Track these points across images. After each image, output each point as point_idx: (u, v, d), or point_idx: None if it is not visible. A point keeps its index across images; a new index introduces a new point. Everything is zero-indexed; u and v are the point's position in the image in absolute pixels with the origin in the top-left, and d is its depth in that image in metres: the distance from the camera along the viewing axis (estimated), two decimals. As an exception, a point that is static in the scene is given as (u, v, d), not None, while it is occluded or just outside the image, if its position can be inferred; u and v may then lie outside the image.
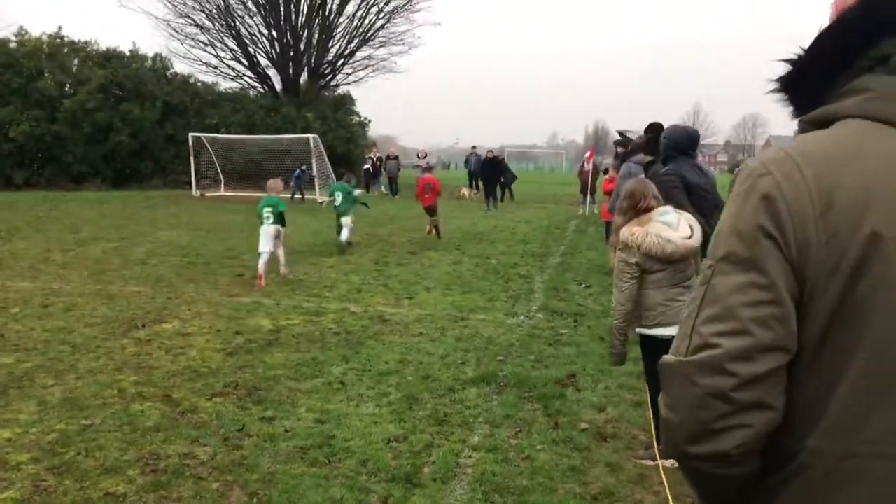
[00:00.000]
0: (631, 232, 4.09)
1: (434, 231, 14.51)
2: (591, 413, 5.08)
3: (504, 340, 6.96)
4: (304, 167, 25.71)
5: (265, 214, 10.36)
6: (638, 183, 4.37)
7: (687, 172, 4.88)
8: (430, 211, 14.45)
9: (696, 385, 1.09)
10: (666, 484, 3.81)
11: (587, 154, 22.21)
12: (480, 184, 27.22)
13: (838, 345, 1.07)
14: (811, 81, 1.22)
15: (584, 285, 9.93)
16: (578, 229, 17.47)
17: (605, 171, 18.84)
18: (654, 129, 6.49)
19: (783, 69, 1.24)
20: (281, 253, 10.42)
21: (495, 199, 23.53)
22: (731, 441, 1.08)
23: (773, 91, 1.26)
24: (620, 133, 14.72)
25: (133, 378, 5.67)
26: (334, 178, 28.18)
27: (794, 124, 1.28)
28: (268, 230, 10.22)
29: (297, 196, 25.00)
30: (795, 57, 1.22)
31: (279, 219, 10.32)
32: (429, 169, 17.30)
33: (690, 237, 4.05)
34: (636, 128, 9.87)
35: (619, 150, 12.67)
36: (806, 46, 1.21)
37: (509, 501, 3.81)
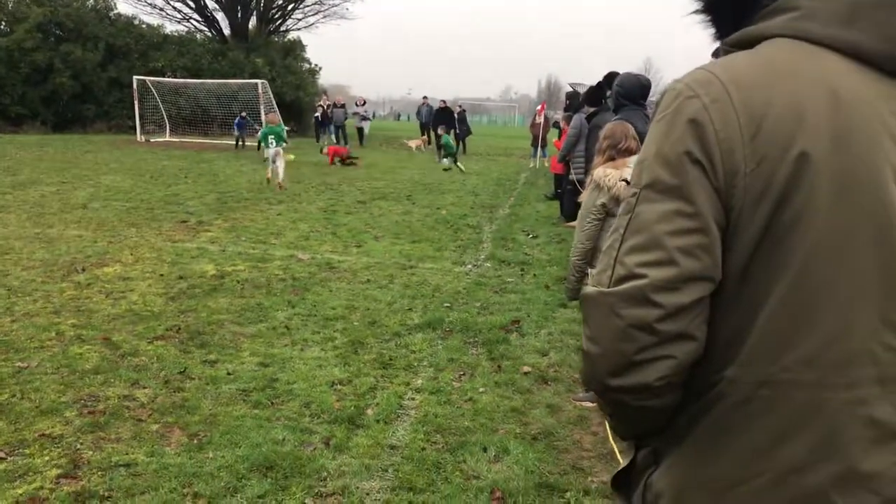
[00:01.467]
0: (605, 173, 4.04)
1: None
2: (534, 357, 5.16)
3: (451, 288, 6.99)
4: (243, 114, 25.09)
5: (269, 140, 14.06)
6: (618, 124, 4.33)
7: (637, 122, 4.88)
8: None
9: (620, 317, 1.06)
10: (607, 425, 3.90)
11: (539, 107, 22.18)
12: (432, 134, 27.06)
13: (761, 274, 1.05)
14: (734, 1, 1.17)
15: (531, 236, 10.00)
16: (528, 181, 17.54)
17: (556, 125, 18.89)
18: (612, 78, 6.49)
19: None
20: (280, 167, 13.87)
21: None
22: (653, 373, 1.06)
23: (694, 12, 1.22)
24: (572, 86, 14.76)
25: (72, 321, 5.55)
26: (284, 127, 27.77)
27: None
28: (272, 151, 13.98)
29: (239, 143, 24.50)
30: None
31: (279, 140, 14.08)
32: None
33: None
34: (589, 81, 9.87)
35: (568, 102, 12.72)
36: None
37: (451, 441, 3.86)
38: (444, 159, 20.39)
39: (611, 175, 3.99)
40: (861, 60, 1.06)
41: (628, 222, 1.10)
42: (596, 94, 8.20)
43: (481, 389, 4.56)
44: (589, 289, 1.14)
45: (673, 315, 1.04)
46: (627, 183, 1.14)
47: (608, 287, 1.09)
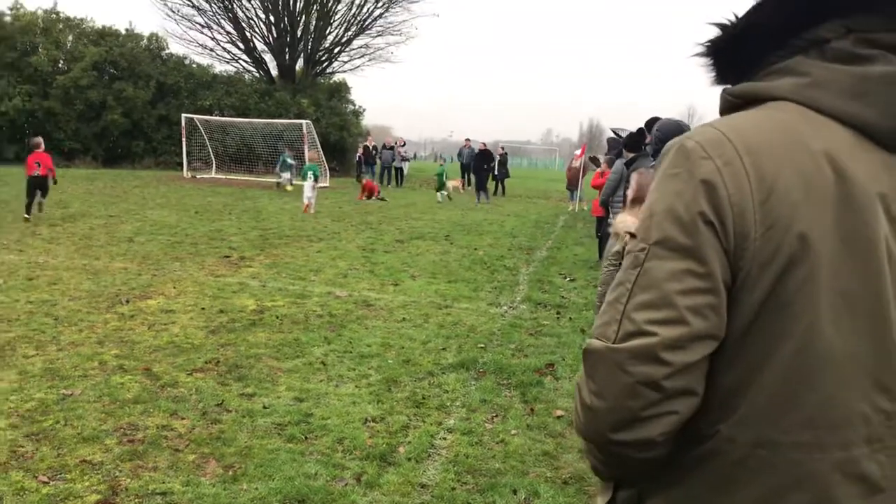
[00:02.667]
0: (622, 220, 4.09)
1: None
2: (568, 401, 5.14)
3: (486, 329, 7.02)
4: (290, 157, 25.22)
5: (308, 174, 17.47)
6: (643, 175, 4.38)
7: None
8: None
9: (628, 373, 1.06)
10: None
11: (578, 151, 22.28)
12: (471, 176, 27.37)
13: (763, 336, 1.07)
14: (740, 52, 1.18)
15: (568, 279, 10.00)
16: (567, 225, 17.55)
17: (594, 159, 18.95)
18: (652, 124, 6.53)
19: (713, 33, 1.19)
20: (314, 197, 17.18)
21: (486, 192, 23.54)
22: (658, 428, 1.07)
23: (698, 55, 1.22)
24: (614, 131, 14.82)
25: (115, 351, 5.69)
26: (326, 166, 28.23)
27: None
28: (309, 183, 17.26)
29: (283, 183, 24.60)
30: (728, 23, 1.17)
31: (315, 176, 17.50)
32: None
33: None
34: (631, 126, 9.92)
35: (610, 147, 12.77)
36: (740, 14, 1.16)
37: (481, 482, 3.87)
38: (438, 192, 22.66)
39: (627, 223, 4.04)
40: (865, 134, 1.09)
41: (636, 278, 1.09)
42: (636, 140, 8.24)
43: (513, 432, 4.56)
44: (594, 343, 1.12)
45: (680, 372, 1.05)
46: (632, 236, 1.17)
47: (614, 342, 1.08)
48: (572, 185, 21.69)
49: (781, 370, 1.06)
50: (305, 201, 17.12)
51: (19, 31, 29.91)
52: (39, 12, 31.28)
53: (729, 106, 1.21)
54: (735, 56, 1.20)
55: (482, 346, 6.42)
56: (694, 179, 1.07)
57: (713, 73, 1.24)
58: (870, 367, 1.08)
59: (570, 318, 7.60)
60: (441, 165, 23.45)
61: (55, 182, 13.78)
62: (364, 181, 22.98)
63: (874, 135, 1.09)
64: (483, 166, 23.91)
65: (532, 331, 7.05)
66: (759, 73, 1.18)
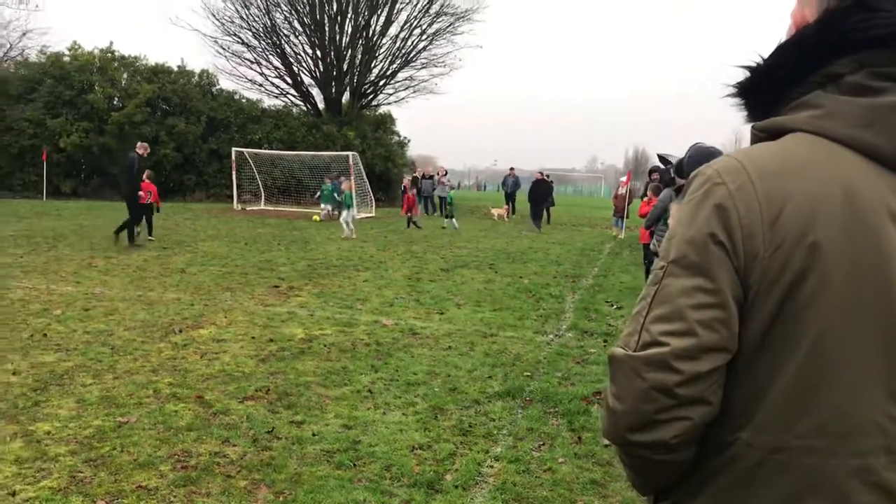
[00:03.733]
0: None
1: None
2: (615, 430, 5.10)
3: (532, 357, 7.01)
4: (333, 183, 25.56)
5: (348, 201, 18.93)
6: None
7: None
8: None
9: (643, 379, 1.15)
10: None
11: (623, 178, 22.19)
12: (513, 204, 27.57)
13: (776, 346, 1.14)
14: (766, 90, 1.27)
15: (615, 306, 9.94)
16: (613, 252, 17.44)
17: (644, 195, 18.87)
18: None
19: (742, 75, 1.29)
20: (352, 224, 18.73)
21: (539, 220, 23.46)
22: (670, 431, 1.15)
23: (729, 95, 1.31)
24: (661, 157, 14.74)
25: (168, 379, 5.84)
26: (372, 196, 28.59)
27: None
28: (346, 213, 18.79)
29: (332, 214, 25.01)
30: (754, 65, 1.27)
31: (349, 202, 18.90)
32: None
33: None
34: (678, 153, 9.87)
35: (654, 176, 12.71)
36: (765, 56, 1.26)
37: (528, 510, 3.86)
38: (446, 219, 23.22)
39: None
40: (876, 160, 1.16)
41: (655, 293, 1.19)
42: (683, 167, 8.19)
43: (561, 460, 4.55)
44: (617, 350, 1.22)
45: (691, 381, 1.13)
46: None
47: (634, 350, 1.18)
48: (619, 212, 21.59)
49: (793, 378, 1.13)
50: (348, 231, 18.45)
51: (77, 70, 31.02)
52: (96, 52, 32.46)
53: (756, 140, 1.28)
54: (762, 94, 1.28)
55: (528, 374, 6.42)
56: (708, 203, 1.17)
57: (745, 112, 1.32)
58: (883, 377, 1.13)
59: (617, 346, 7.54)
60: (450, 192, 24.25)
61: (158, 210, 16.50)
62: (406, 195, 23.40)
63: (885, 160, 1.16)
64: (540, 195, 23.76)
65: (579, 359, 7.03)
66: (782, 108, 1.25)
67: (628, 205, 20.90)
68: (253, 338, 7.33)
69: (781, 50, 1.24)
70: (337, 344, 7.20)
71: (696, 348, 1.13)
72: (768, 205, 1.13)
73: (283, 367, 6.33)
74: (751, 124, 1.30)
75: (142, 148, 15.43)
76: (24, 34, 37.69)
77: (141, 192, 14.98)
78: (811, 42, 1.20)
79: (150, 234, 15.78)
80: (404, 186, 29.56)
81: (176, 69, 33.80)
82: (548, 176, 29.06)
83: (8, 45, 36.14)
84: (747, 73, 1.28)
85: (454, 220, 22.87)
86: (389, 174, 35.20)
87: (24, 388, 5.49)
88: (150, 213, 15.72)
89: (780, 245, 1.12)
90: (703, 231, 1.16)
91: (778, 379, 1.14)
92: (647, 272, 11.31)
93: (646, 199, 13.70)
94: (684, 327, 1.14)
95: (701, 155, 5.25)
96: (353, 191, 19.62)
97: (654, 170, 13.20)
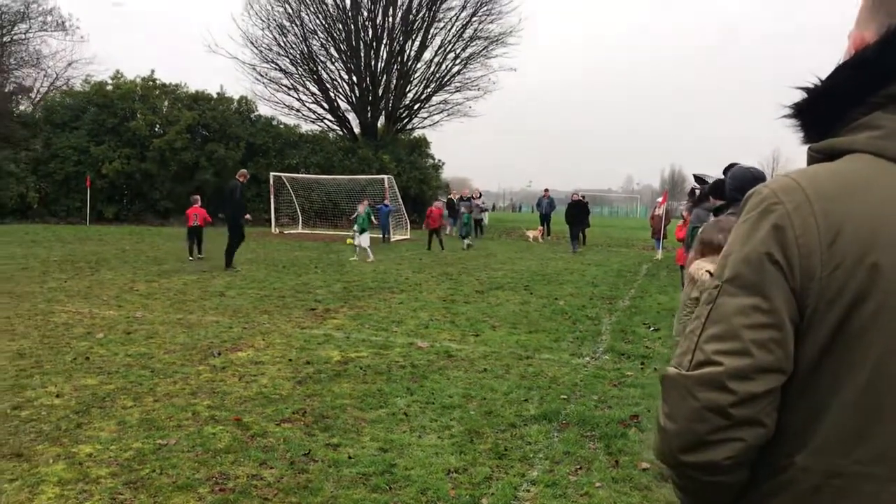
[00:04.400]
0: (698, 266, 4.07)
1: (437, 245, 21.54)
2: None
3: (568, 380, 6.96)
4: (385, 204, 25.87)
5: (363, 224, 18.62)
6: (713, 226, 4.38)
7: None
8: (436, 231, 21.89)
9: (696, 399, 1.14)
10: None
11: (659, 199, 22.02)
12: (549, 225, 27.48)
13: (833, 369, 1.12)
14: (823, 112, 1.26)
15: (652, 328, 9.83)
16: (650, 273, 17.28)
17: (681, 216, 18.72)
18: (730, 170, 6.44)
19: (799, 96, 1.27)
20: (369, 248, 18.53)
21: (577, 240, 23.34)
22: (722, 452, 1.14)
23: (786, 116, 1.30)
24: (697, 177, 14.62)
25: (207, 402, 5.91)
26: (407, 219, 28.74)
27: None
28: (366, 235, 18.60)
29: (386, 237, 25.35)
30: (811, 86, 1.25)
31: (367, 222, 18.74)
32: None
33: None
34: (715, 173, 9.78)
35: (694, 194, 12.60)
36: (823, 77, 1.24)
37: (565, 535, 3.82)
38: (465, 239, 23.45)
39: (703, 268, 4.01)
40: None
41: (709, 312, 1.18)
42: (721, 187, 8.11)
43: (598, 484, 4.50)
44: (670, 369, 1.21)
45: (745, 401, 1.12)
46: (710, 274, 1.25)
47: (687, 370, 1.17)
48: (657, 233, 21.39)
49: (851, 403, 1.11)
50: (360, 256, 18.45)
51: (119, 98, 31.82)
52: (138, 80, 33.28)
53: (813, 161, 1.27)
54: (819, 115, 1.27)
55: (564, 397, 6.37)
56: (765, 223, 1.17)
57: (800, 133, 1.32)
58: None
59: (655, 369, 7.46)
60: (466, 214, 24.16)
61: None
62: (430, 209, 23.34)
63: None
64: (577, 216, 23.61)
65: (616, 382, 6.96)
66: (841, 129, 1.24)
67: (666, 225, 20.69)
68: (290, 360, 7.40)
69: (840, 71, 1.23)
70: (373, 366, 7.23)
71: (750, 368, 1.12)
72: (826, 225, 1.13)
73: (320, 389, 6.37)
74: (807, 146, 1.30)
75: (241, 176, 16.61)
76: (69, 64, 38.89)
77: (189, 213, 17.69)
78: (871, 63, 1.19)
79: (199, 252, 17.60)
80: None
81: (215, 96, 34.52)
82: (583, 197, 28.98)
83: (55, 76, 37.34)
84: (804, 94, 1.27)
85: (467, 239, 23.38)
86: (424, 196, 35.38)
87: (67, 410, 5.60)
88: (199, 234, 17.75)
89: (838, 265, 1.11)
90: (759, 250, 1.16)
91: (835, 402, 1.12)
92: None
93: (680, 222, 13.60)
94: (739, 347, 1.13)
95: (742, 175, 5.21)
96: (366, 210, 19.25)
97: (692, 191, 13.09)
